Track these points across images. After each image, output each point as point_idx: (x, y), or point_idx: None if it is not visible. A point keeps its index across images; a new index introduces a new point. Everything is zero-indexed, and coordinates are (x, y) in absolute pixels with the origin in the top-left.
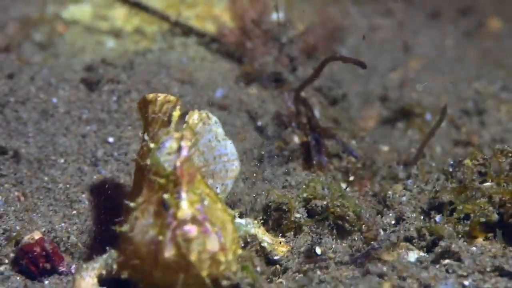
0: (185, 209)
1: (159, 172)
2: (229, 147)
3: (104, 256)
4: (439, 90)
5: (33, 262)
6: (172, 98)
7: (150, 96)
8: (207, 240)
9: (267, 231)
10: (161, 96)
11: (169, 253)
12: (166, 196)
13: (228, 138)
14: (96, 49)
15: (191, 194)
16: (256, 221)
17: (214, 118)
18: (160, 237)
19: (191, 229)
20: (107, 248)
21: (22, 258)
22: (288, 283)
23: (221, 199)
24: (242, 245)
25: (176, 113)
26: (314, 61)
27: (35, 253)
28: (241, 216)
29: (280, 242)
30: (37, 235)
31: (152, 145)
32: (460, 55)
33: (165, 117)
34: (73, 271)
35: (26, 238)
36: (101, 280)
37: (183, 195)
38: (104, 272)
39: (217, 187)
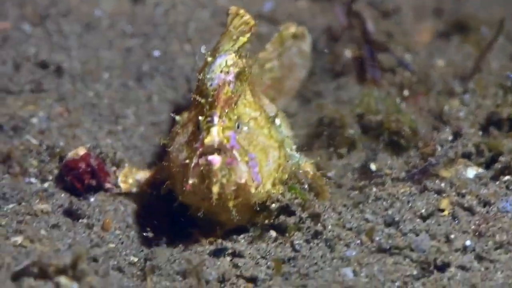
0: (214, 135)
1: (202, 90)
2: (301, 68)
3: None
4: (495, 2)
5: (78, 178)
6: (250, 21)
7: (233, 8)
8: (233, 171)
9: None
10: (241, 13)
11: (192, 180)
12: (200, 117)
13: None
14: None
15: (226, 119)
16: (311, 162)
17: (309, 38)
18: (187, 161)
19: (214, 160)
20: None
21: (66, 175)
22: (343, 200)
23: (273, 124)
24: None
25: (243, 39)
26: None
27: (80, 169)
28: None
29: (323, 187)
30: (81, 151)
31: (209, 59)
32: None
33: (235, 35)
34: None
35: (70, 154)
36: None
37: (215, 119)
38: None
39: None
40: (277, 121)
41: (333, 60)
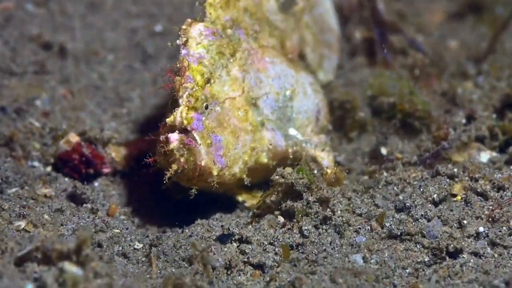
0: (176, 115)
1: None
2: (334, 24)
3: None
4: None
5: (75, 170)
6: None
7: None
8: (191, 152)
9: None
10: None
11: (157, 157)
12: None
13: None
14: None
15: (192, 99)
16: (325, 144)
17: None
18: (157, 137)
19: (171, 137)
20: None
21: (62, 167)
22: (353, 185)
23: (253, 105)
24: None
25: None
26: None
27: (75, 161)
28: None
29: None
30: (73, 138)
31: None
32: None
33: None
34: (118, 167)
35: (62, 143)
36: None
37: (180, 100)
38: None
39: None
40: (288, 93)
41: (344, 41)
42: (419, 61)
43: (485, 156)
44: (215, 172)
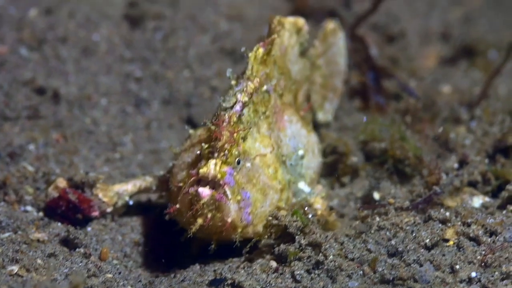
0: (210, 168)
1: (216, 115)
2: (343, 65)
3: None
4: (503, 26)
5: (64, 217)
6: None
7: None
8: (220, 208)
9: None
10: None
11: (181, 205)
12: (204, 145)
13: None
14: None
15: (227, 153)
16: (322, 191)
17: (342, 34)
18: (181, 184)
19: (204, 193)
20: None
21: (52, 215)
22: (345, 230)
23: (283, 164)
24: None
25: (252, 54)
26: None
27: (62, 209)
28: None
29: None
30: (61, 183)
31: (232, 82)
32: None
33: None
34: (108, 210)
35: (50, 189)
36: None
37: (215, 153)
38: (143, 186)
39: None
40: (300, 152)
41: None
42: (411, 106)
43: (477, 201)
44: (239, 230)
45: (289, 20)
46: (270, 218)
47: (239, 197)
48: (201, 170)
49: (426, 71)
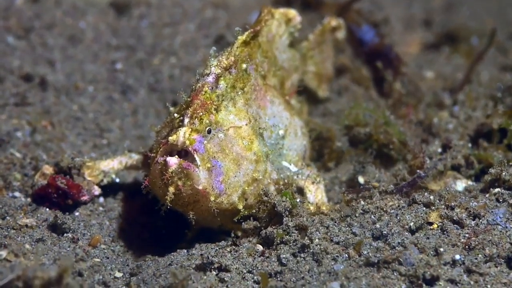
0: (179, 135)
1: (192, 87)
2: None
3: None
4: (484, 13)
5: (53, 203)
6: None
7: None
8: (189, 175)
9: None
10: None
11: (153, 175)
12: (176, 115)
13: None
14: None
15: (197, 121)
16: (316, 175)
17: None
18: (154, 154)
19: (170, 161)
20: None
21: (41, 203)
22: (330, 213)
23: (259, 137)
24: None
25: (241, 38)
26: None
27: (52, 195)
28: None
29: (322, 208)
30: (47, 170)
31: (212, 59)
32: None
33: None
34: (96, 193)
35: (36, 177)
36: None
37: (186, 120)
38: (129, 163)
39: None
40: (281, 132)
41: None
42: (396, 92)
43: (460, 184)
44: (212, 198)
45: (279, 11)
46: (261, 193)
47: (209, 165)
48: (170, 138)
49: (409, 57)
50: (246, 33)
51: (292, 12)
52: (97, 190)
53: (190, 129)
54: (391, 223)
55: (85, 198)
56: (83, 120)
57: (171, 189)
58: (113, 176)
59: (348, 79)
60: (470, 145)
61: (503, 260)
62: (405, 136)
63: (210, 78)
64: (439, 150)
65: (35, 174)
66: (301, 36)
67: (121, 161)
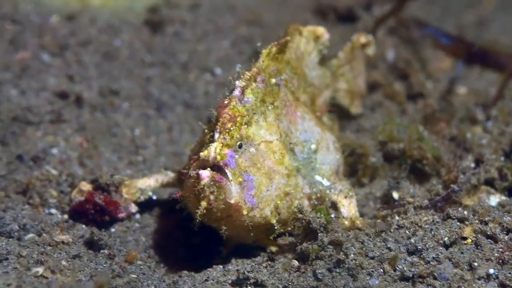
0: (210, 150)
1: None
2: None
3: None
4: None
5: (90, 219)
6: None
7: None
8: (221, 189)
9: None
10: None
11: (186, 190)
12: (207, 131)
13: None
14: None
15: (228, 136)
16: (348, 189)
17: (374, 44)
18: (186, 171)
19: (203, 174)
20: None
21: (78, 219)
22: (365, 229)
23: (291, 152)
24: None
25: (265, 51)
26: None
27: (89, 212)
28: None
29: (356, 222)
30: (84, 186)
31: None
32: None
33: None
34: (132, 210)
35: (74, 193)
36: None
37: (216, 135)
38: (165, 181)
39: None
40: (313, 146)
41: None
42: (429, 107)
43: (494, 199)
44: (245, 212)
45: (308, 29)
46: (296, 210)
47: (240, 179)
48: (201, 154)
49: (441, 73)
50: (274, 48)
51: (320, 30)
52: (134, 208)
53: (221, 144)
54: (426, 238)
55: (122, 215)
56: (119, 137)
57: (203, 204)
58: (150, 193)
59: (381, 95)
60: (503, 158)
61: None
62: (438, 151)
63: (236, 92)
64: (472, 165)
65: (71, 190)
66: (333, 52)
67: (157, 179)
